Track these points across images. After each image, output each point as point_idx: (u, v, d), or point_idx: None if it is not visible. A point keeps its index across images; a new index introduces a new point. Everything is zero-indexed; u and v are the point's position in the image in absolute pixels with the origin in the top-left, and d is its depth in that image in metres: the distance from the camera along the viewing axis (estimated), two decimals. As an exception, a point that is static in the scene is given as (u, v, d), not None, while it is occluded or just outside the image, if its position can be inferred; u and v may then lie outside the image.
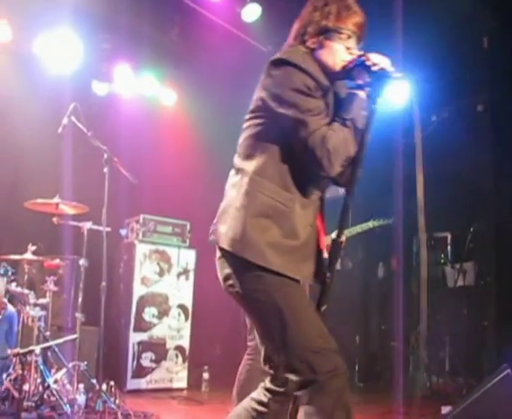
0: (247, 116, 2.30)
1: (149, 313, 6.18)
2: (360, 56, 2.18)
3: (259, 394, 2.31)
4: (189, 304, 6.44)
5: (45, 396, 4.34)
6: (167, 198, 6.69)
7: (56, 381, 4.48)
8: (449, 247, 7.33)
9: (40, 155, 6.00)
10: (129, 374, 5.94)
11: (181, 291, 6.39)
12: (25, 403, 4.19)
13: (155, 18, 6.41)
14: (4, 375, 4.21)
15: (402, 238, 6.75)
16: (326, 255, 4.20)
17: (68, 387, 4.56)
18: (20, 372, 4.13)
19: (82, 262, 4.91)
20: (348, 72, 2.23)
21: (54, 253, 5.40)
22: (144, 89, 7.04)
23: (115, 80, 6.79)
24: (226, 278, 2.23)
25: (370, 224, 4.47)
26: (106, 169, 4.61)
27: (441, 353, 6.85)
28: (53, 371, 4.66)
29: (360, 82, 2.19)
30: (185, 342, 6.37)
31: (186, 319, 6.43)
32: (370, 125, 2.17)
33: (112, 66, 6.71)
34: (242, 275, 2.17)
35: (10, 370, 4.26)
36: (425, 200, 7.11)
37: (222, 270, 2.25)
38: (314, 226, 2.31)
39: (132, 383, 5.94)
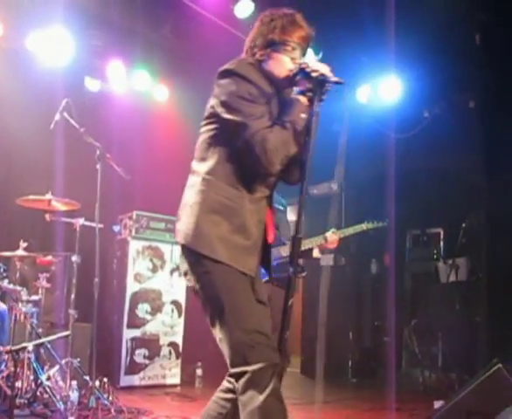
0: (202, 123, 2.50)
1: (143, 310, 6.17)
2: (301, 64, 2.38)
3: (224, 383, 2.45)
4: (182, 300, 6.43)
5: (38, 393, 4.34)
6: (160, 194, 6.66)
7: (49, 378, 4.48)
8: (442, 243, 7.37)
9: (32, 152, 5.99)
10: (122, 370, 5.94)
11: (174, 288, 6.39)
12: (18, 400, 4.19)
13: (147, 15, 6.38)
14: (-3, 372, 4.19)
15: (394, 234, 6.77)
16: (317, 253, 4.24)
17: (61, 383, 4.56)
18: (12, 369, 4.13)
19: (75, 258, 4.90)
20: (292, 79, 2.43)
21: (46, 250, 5.38)
22: (137, 85, 7.02)
23: (108, 77, 6.77)
24: (185, 274, 2.44)
25: (364, 226, 4.46)
26: (98, 166, 4.60)
27: (434, 349, 6.88)
28: (46, 368, 4.65)
29: (302, 88, 2.39)
30: (178, 338, 6.37)
31: (179, 315, 6.43)
32: (313, 127, 2.33)
33: (104, 63, 6.68)
34: (196, 269, 2.37)
35: (3, 367, 4.26)
36: (418, 195, 7.14)
37: (182, 266, 2.46)
38: (264, 222, 2.48)
39: (125, 380, 5.93)
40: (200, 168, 2.44)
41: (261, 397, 2.21)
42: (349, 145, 7.80)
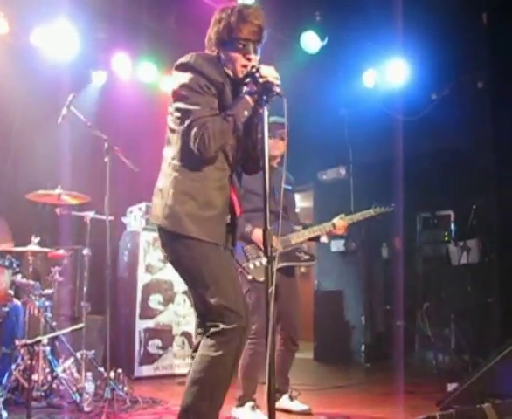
0: (168, 111, 2.73)
1: (155, 300, 6.21)
2: (252, 67, 2.57)
3: (195, 342, 2.85)
4: (194, 290, 6.44)
5: (54, 385, 4.39)
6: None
7: (64, 371, 4.52)
8: (452, 225, 7.33)
9: (40, 147, 6.01)
10: (137, 361, 5.98)
11: (185, 278, 6.40)
12: (35, 393, 4.23)
13: (151, 6, 6.37)
14: (13, 366, 4.23)
15: (404, 218, 6.75)
16: (324, 239, 4.27)
17: (76, 375, 4.60)
18: (29, 362, 4.17)
19: (86, 251, 4.92)
20: (243, 78, 2.64)
21: (58, 244, 5.41)
22: (143, 77, 7.03)
23: (114, 69, 6.78)
24: (162, 251, 2.74)
25: (372, 212, 4.48)
26: (106, 158, 4.60)
27: (446, 331, 6.87)
28: (61, 360, 4.70)
29: (250, 89, 2.60)
30: (191, 328, 6.40)
31: (192, 305, 6.44)
32: (258, 125, 2.64)
33: (110, 55, 6.69)
34: (171, 245, 2.65)
35: (19, 361, 4.29)
36: (427, 178, 7.09)
37: (160, 244, 2.73)
38: (228, 196, 2.71)
39: (139, 370, 5.98)
40: (166, 153, 2.71)
41: (221, 350, 2.50)
42: (356, 130, 7.78)
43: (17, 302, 4.61)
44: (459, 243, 6.86)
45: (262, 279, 3.91)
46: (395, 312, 7.36)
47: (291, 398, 4.44)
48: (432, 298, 7.23)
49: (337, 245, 8.35)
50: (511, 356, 3.99)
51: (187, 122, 2.54)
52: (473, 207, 6.22)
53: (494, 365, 4.03)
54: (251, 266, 4.04)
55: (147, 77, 7.04)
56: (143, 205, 6.25)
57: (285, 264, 4.21)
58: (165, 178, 2.66)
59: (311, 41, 6.52)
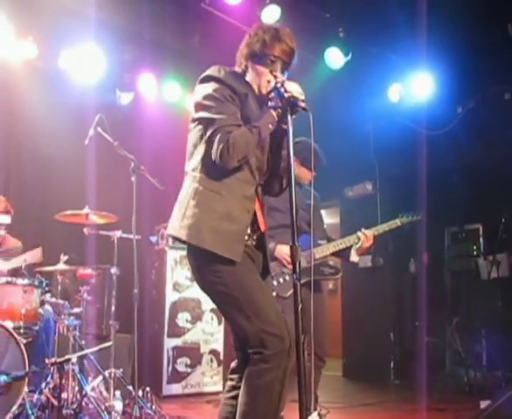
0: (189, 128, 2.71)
1: (183, 318, 6.23)
2: (277, 82, 2.55)
3: (228, 383, 2.75)
4: (221, 307, 6.45)
5: (83, 404, 4.40)
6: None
7: (93, 389, 4.54)
8: (481, 239, 7.23)
9: (68, 168, 6.11)
10: (165, 379, 6.00)
11: (212, 296, 6.40)
12: (64, 411, 4.25)
13: (176, 27, 6.44)
14: (43, 384, 4.27)
15: (431, 232, 6.67)
16: (354, 257, 4.19)
17: (105, 394, 4.62)
18: (58, 381, 4.20)
19: (114, 270, 4.95)
20: (268, 93, 2.62)
21: (86, 263, 5.46)
22: (168, 96, 7.10)
23: (139, 89, 6.86)
24: (190, 269, 2.65)
25: (398, 222, 4.35)
26: (133, 178, 4.65)
27: (477, 347, 6.75)
28: (90, 379, 4.72)
29: (274, 104, 2.55)
30: (219, 346, 6.41)
31: (219, 322, 6.46)
32: (284, 141, 2.56)
33: (135, 76, 6.78)
34: (194, 259, 2.57)
35: (49, 379, 4.33)
36: (455, 192, 7.00)
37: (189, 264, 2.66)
38: (252, 211, 2.61)
39: (168, 388, 5.99)
40: (188, 167, 2.64)
41: (267, 377, 2.40)
42: (382, 144, 7.74)
43: (51, 318, 4.65)
44: (488, 257, 6.76)
45: (287, 295, 3.89)
46: (424, 328, 7.26)
47: (320, 416, 4.33)
48: (462, 314, 7.12)
49: (364, 261, 8.28)
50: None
51: (211, 130, 2.50)
52: (503, 220, 6.12)
53: (527, 381, 3.94)
54: (275, 283, 3.99)
55: (172, 96, 7.11)
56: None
57: (309, 278, 4.16)
58: (185, 190, 2.60)
59: (335, 57, 6.52)
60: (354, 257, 4.21)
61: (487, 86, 6.88)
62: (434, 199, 6.66)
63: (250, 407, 2.42)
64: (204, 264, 2.52)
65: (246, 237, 2.60)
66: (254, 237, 2.66)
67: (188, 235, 2.48)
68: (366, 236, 4.18)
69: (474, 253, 7.22)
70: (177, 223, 2.54)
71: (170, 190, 5.46)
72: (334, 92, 6.94)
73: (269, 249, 3.98)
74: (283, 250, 3.97)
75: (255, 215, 2.64)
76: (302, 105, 2.46)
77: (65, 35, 6.03)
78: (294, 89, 2.51)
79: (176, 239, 2.57)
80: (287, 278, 4.00)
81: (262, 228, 2.68)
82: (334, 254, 4.24)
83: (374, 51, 6.53)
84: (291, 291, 3.83)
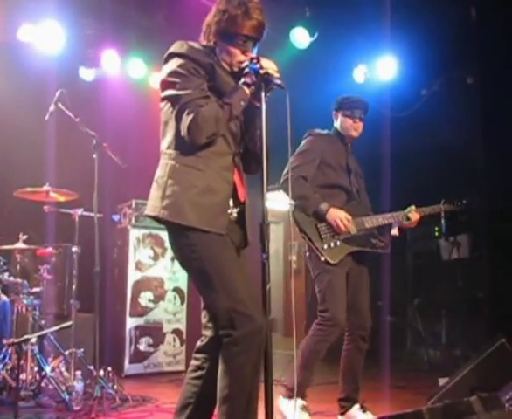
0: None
1: (145, 298, 6.18)
2: (252, 58, 2.52)
3: (192, 362, 2.72)
4: (184, 287, 6.44)
5: (43, 385, 4.36)
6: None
7: (53, 370, 4.50)
8: (443, 220, 7.33)
9: (28, 144, 5.95)
10: (127, 359, 5.96)
11: (176, 275, 6.39)
12: (23, 392, 4.20)
13: (140, 2, 6.33)
14: (0, 366, 4.20)
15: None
16: (395, 232, 4.04)
17: (66, 374, 4.58)
18: (16, 361, 4.12)
19: (75, 249, 4.89)
20: (242, 69, 2.55)
21: (46, 242, 5.37)
22: (131, 73, 6.97)
23: (102, 65, 6.72)
24: (172, 249, 2.61)
25: (442, 207, 4.36)
26: (95, 155, 4.57)
27: (437, 326, 6.89)
28: (50, 359, 4.67)
29: (248, 80, 2.49)
30: (182, 325, 6.39)
31: (182, 302, 6.43)
32: (257, 119, 2.50)
33: (98, 52, 6.61)
34: (174, 242, 2.53)
35: (7, 360, 4.25)
36: (417, 174, 7.09)
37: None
38: (231, 182, 2.55)
39: (130, 368, 5.96)
40: (162, 145, 2.59)
41: (238, 361, 2.34)
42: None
43: (6, 299, 4.56)
44: (449, 238, 6.87)
45: (336, 262, 3.75)
46: (386, 308, 7.36)
47: (363, 408, 3.88)
48: (423, 294, 7.24)
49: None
50: (500, 350, 4.00)
51: (177, 107, 2.44)
52: (463, 202, 6.21)
53: (483, 359, 4.04)
54: (325, 247, 3.77)
55: (136, 73, 6.98)
56: (133, 202, 6.22)
57: (359, 248, 3.92)
58: (161, 169, 2.54)
59: (301, 37, 6.49)
60: (395, 231, 4.06)
61: (450, 70, 6.94)
62: (397, 181, 6.73)
63: (227, 392, 2.36)
64: (182, 241, 2.46)
65: (229, 211, 2.55)
66: (235, 212, 2.59)
67: (170, 214, 2.43)
68: (415, 217, 4.09)
69: (436, 234, 7.33)
70: (157, 202, 2.47)
71: (133, 168, 5.42)
72: (299, 71, 6.91)
73: (321, 209, 3.78)
74: (337, 214, 3.79)
75: (234, 186, 2.58)
76: (278, 82, 2.43)
77: (25, 8, 5.85)
78: (269, 66, 2.48)
79: (156, 220, 2.50)
80: (338, 243, 3.82)
81: (242, 198, 2.61)
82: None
83: (340, 32, 6.52)
84: (341, 256, 3.79)
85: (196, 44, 2.60)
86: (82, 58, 6.67)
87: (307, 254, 3.92)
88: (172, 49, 2.56)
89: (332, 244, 3.79)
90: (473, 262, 6.71)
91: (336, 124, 4.17)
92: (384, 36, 6.53)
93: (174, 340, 6.33)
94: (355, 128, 4.09)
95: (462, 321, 6.50)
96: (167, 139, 2.55)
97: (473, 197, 6.31)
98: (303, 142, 4.08)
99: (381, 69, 7.15)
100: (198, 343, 2.69)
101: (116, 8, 6.18)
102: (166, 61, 2.57)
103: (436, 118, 6.71)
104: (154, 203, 2.50)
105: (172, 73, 2.50)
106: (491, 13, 6.23)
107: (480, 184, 6.64)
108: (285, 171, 3.82)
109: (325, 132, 4.17)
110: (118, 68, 6.78)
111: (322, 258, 3.75)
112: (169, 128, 2.54)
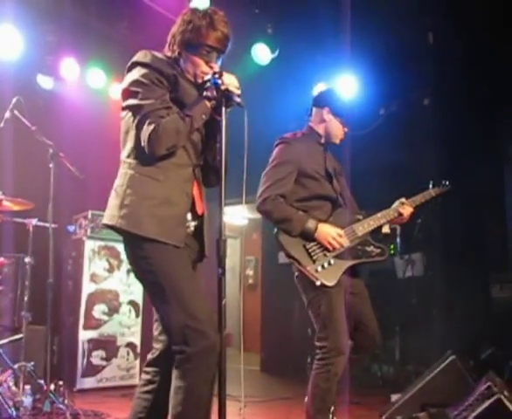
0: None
1: (99, 310, 6.08)
2: (214, 73, 2.52)
3: (142, 376, 2.65)
4: (139, 300, 6.36)
5: (-10, 399, 4.22)
6: (116, 193, 6.56)
7: (0, 384, 4.36)
8: (398, 239, 7.45)
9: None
10: (79, 372, 5.83)
11: (131, 288, 6.31)
12: (-32, 407, 4.06)
13: (102, 10, 6.27)
14: None
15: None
16: (386, 229, 3.84)
17: (14, 389, 4.44)
18: (-37, 375, 4.00)
19: (28, 260, 4.78)
20: (204, 82, 2.56)
21: (-2, 251, 5.24)
22: (91, 83, 6.90)
23: (61, 74, 6.63)
24: (128, 260, 2.55)
25: (432, 192, 4.02)
26: (51, 165, 4.51)
27: (392, 343, 6.96)
28: (-2, 373, 4.53)
29: (209, 94, 2.50)
30: (136, 339, 6.30)
31: (137, 315, 6.36)
32: (218, 133, 2.47)
33: (57, 59, 6.53)
34: (130, 252, 2.50)
35: (-48, 373, 4.12)
36: (374, 192, 7.16)
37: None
38: (190, 195, 2.55)
39: (82, 382, 5.83)
40: (122, 154, 2.56)
41: (191, 378, 2.30)
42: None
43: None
44: (404, 256, 6.98)
45: (334, 283, 3.38)
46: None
47: None
48: (378, 311, 7.31)
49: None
50: (450, 367, 4.08)
51: (138, 116, 2.42)
52: (418, 221, 6.33)
53: (434, 376, 4.11)
54: (319, 269, 3.41)
55: (95, 83, 6.91)
56: (89, 213, 6.13)
57: (356, 261, 3.62)
58: (120, 178, 2.50)
59: (262, 53, 6.54)
60: (386, 229, 3.77)
61: (408, 91, 7.09)
62: (355, 198, 6.80)
63: (178, 410, 2.31)
64: (138, 252, 2.43)
65: (187, 224, 2.54)
66: (192, 225, 2.58)
67: (127, 224, 2.40)
68: (408, 211, 3.76)
69: (392, 252, 7.44)
70: (115, 211, 2.44)
71: (90, 179, 5.34)
72: (259, 88, 6.95)
73: (309, 228, 3.41)
74: (328, 232, 3.44)
75: (193, 199, 2.56)
76: (237, 100, 2.44)
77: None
78: (230, 82, 2.48)
79: (113, 229, 2.46)
80: (332, 261, 3.45)
81: (200, 211, 2.60)
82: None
83: (301, 49, 6.60)
84: (338, 275, 3.41)
85: (160, 55, 2.60)
86: (41, 66, 6.57)
87: (296, 274, 3.56)
88: (136, 58, 2.55)
89: (326, 264, 3.43)
90: (427, 280, 6.82)
91: (315, 122, 3.76)
92: (345, 55, 6.64)
93: (128, 354, 6.23)
94: (341, 136, 3.77)
95: (416, 338, 6.59)
96: (127, 148, 2.52)
97: (428, 216, 6.46)
98: (275, 151, 3.62)
99: (341, 87, 7.25)
100: (149, 356, 2.65)
101: (77, 15, 6.12)
102: (129, 70, 2.55)
103: (393, 137, 6.83)
104: (111, 212, 2.46)
105: (135, 83, 2.48)
106: (446, 37, 6.41)
107: (434, 203, 6.77)
108: (260, 191, 3.52)
109: (298, 134, 3.72)
110: (77, 77, 6.70)
111: (318, 283, 3.39)
112: (130, 138, 2.51)
